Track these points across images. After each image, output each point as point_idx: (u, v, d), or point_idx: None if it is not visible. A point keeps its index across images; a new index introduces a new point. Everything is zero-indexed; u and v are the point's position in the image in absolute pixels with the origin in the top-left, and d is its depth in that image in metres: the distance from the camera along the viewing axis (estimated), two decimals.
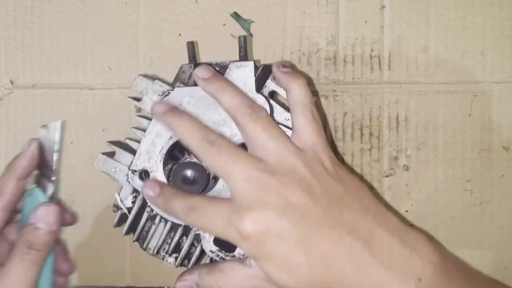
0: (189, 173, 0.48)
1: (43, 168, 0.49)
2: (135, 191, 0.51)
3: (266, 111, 0.45)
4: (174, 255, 0.51)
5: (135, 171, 0.50)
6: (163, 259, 0.51)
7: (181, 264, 0.51)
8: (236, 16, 0.58)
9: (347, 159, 0.58)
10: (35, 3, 0.59)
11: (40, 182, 0.49)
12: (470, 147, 0.57)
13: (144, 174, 0.50)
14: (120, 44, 0.59)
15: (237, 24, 0.58)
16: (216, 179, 0.48)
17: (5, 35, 0.59)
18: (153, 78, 0.51)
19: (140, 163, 0.50)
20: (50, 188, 0.49)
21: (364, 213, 0.41)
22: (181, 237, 0.50)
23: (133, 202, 0.51)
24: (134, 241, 0.52)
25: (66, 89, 0.59)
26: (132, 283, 0.59)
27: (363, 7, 0.58)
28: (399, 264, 0.39)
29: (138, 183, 0.50)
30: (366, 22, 0.58)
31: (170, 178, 0.49)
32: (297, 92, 0.44)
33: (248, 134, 0.43)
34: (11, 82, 0.59)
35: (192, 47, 0.52)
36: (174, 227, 0.50)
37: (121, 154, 0.51)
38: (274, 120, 0.45)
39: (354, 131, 0.58)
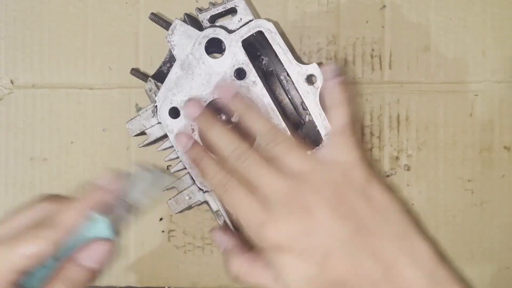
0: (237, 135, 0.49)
1: (123, 201, 0.43)
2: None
3: (287, 136, 0.46)
4: None
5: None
6: None
7: None
8: None
9: None
10: (35, 3, 0.59)
11: (112, 212, 0.43)
12: (471, 147, 0.57)
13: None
14: (120, 44, 0.59)
15: None
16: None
17: (5, 35, 0.59)
18: None
19: (194, 169, 0.49)
20: (120, 225, 0.42)
21: (392, 238, 0.40)
22: None
23: None
24: None
25: (66, 89, 0.59)
26: (132, 283, 0.59)
27: (363, 7, 0.58)
28: None
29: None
30: (366, 22, 0.58)
31: None
32: (337, 118, 0.45)
33: (277, 157, 0.43)
34: (11, 82, 0.59)
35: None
36: None
37: (179, 183, 0.51)
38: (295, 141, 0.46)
39: None
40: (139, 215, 0.45)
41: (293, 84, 0.48)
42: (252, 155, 0.43)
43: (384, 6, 0.58)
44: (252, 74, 0.48)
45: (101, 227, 0.41)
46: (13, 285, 0.39)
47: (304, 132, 0.51)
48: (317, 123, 0.48)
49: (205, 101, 0.49)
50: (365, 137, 0.58)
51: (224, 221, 0.50)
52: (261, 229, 0.40)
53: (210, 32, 0.48)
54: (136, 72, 0.54)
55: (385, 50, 0.58)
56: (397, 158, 0.58)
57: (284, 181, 0.41)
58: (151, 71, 0.57)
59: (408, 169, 0.58)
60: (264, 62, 0.51)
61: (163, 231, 0.59)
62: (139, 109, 0.58)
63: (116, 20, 0.59)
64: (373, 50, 0.58)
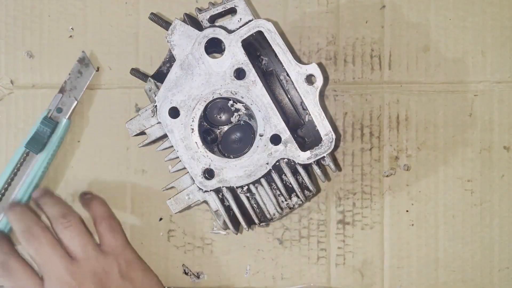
0: (237, 135, 0.50)
1: None
2: (217, 191, 0.50)
3: (78, 219, 0.54)
4: (292, 196, 0.50)
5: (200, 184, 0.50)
6: (290, 208, 0.51)
7: (306, 197, 0.51)
8: None
9: (348, 158, 0.58)
10: (35, 3, 0.59)
11: None
12: (471, 147, 0.57)
13: (207, 174, 0.50)
14: (120, 44, 0.59)
15: None
16: (262, 135, 0.48)
17: (5, 35, 0.59)
18: None
19: (194, 169, 0.49)
20: None
21: None
22: (282, 180, 0.50)
23: (222, 200, 0.50)
24: (261, 225, 0.51)
25: None
26: None
27: (363, 7, 0.58)
28: None
29: (209, 184, 0.49)
30: (366, 22, 0.58)
31: (220, 141, 0.50)
32: (98, 209, 0.56)
33: (62, 239, 0.53)
34: (11, 82, 0.59)
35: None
36: (268, 179, 0.50)
37: (178, 183, 0.51)
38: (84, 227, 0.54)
39: (354, 131, 0.58)
40: None
41: (293, 84, 0.48)
42: (42, 236, 0.52)
43: (384, 6, 0.58)
44: (251, 74, 0.48)
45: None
46: None
47: (303, 132, 0.51)
48: (316, 123, 0.48)
49: (205, 101, 0.49)
50: (365, 137, 0.58)
51: (224, 221, 0.50)
52: None
53: (210, 32, 0.48)
54: (135, 72, 0.54)
55: (384, 50, 0.58)
56: (396, 158, 0.58)
57: (61, 263, 0.52)
58: (151, 71, 0.57)
59: (408, 169, 0.58)
60: (264, 62, 0.51)
61: (163, 231, 0.59)
62: (138, 109, 0.58)
63: (116, 20, 0.59)
64: (372, 50, 0.58)
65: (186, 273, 0.58)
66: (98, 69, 0.59)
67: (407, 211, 0.58)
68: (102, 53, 0.59)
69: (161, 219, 0.59)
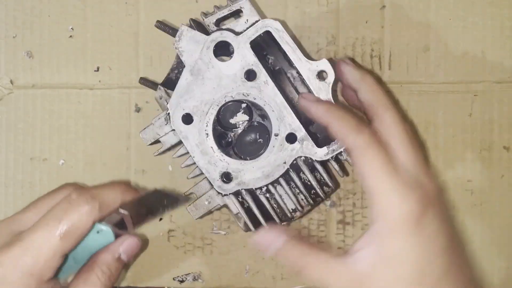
0: (252, 136, 0.50)
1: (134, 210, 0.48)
2: (236, 194, 0.50)
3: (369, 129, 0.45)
4: (312, 193, 0.50)
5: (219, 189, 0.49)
6: (311, 205, 0.50)
7: (326, 194, 0.50)
8: None
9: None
10: (35, 3, 0.59)
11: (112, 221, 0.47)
12: (471, 147, 0.57)
13: (225, 177, 0.49)
14: (120, 44, 0.59)
15: None
16: (277, 135, 0.48)
17: (5, 35, 0.59)
18: None
19: (211, 174, 0.49)
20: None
21: None
22: (300, 178, 0.50)
23: (242, 202, 0.50)
24: (282, 225, 0.51)
25: (66, 89, 0.59)
26: (132, 283, 0.59)
27: (363, 7, 0.58)
28: None
29: (228, 187, 0.49)
30: (366, 22, 0.58)
31: (236, 143, 0.50)
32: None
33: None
34: (11, 82, 0.59)
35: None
36: (286, 178, 0.50)
37: (197, 189, 0.51)
38: None
39: None
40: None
41: (302, 81, 0.48)
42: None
43: (384, 6, 0.58)
44: (262, 75, 0.48)
45: (106, 236, 0.45)
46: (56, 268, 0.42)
47: (315, 128, 0.51)
48: None
49: (218, 105, 0.49)
50: None
51: (245, 223, 0.50)
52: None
53: (218, 36, 0.48)
54: (145, 80, 0.54)
55: (384, 50, 0.58)
56: None
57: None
58: (150, 71, 0.57)
59: None
60: (270, 61, 0.51)
61: (163, 231, 0.59)
62: (138, 110, 0.58)
63: (116, 20, 0.59)
64: (372, 50, 0.58)
65: (181, 281, 0.58)
66: (98, 69, 0.59)
67: None
68: (102, 53, 0.59)
69: (161, 219, 0.59)
